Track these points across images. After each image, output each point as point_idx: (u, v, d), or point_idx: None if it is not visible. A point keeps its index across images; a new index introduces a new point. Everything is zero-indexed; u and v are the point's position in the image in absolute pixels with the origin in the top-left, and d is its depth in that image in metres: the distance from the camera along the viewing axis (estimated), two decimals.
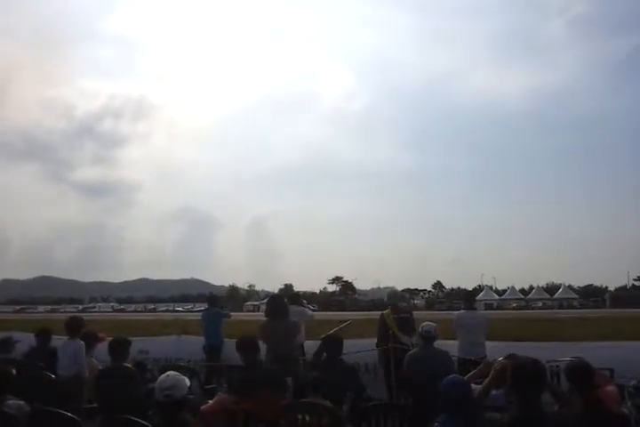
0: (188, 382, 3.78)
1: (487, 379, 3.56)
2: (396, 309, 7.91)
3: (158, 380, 3.73)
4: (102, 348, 6.15)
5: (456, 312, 7.87)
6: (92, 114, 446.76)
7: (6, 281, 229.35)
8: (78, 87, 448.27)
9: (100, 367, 5.93)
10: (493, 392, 3.59)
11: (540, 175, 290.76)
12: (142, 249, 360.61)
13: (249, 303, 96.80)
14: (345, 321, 9.72)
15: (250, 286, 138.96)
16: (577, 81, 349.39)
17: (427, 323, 6.21)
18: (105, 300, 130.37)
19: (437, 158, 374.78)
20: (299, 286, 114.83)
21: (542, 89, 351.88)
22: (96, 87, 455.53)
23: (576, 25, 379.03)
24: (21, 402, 4.39)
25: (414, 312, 9.07)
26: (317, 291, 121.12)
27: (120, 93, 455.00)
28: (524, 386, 3.16)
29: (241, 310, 72.76)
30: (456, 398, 3.39)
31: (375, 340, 8.01)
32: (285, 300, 7.02)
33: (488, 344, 7.52)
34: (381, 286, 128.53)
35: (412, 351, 6.10)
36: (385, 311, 8.02)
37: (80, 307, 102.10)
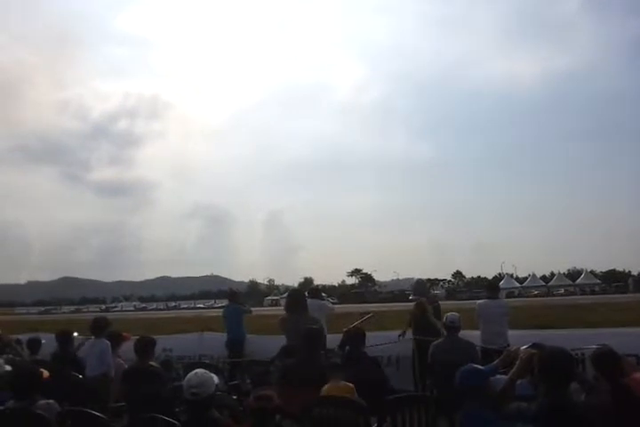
0: (216, 379, 3.76)
1: (514, 368, 3.53)
2: (429, 298, 7.99)
3: (186, 378, 3.72)
4: (128, 347, 6.23)
5: (478, 301, 7.82)
6: (107, 114, 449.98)
7: (31, 283, 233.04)
8: (92, 88, 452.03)
9: (126, 366, 6.00)
10: (519, 381, 3.57)
11: (557, 160, 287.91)
12: (162, 247, 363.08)
13: (269, 298, 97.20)
14: (367, 314, 9.70)
15: (269, 281, 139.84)
16: (592, 62, 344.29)
17: (451, 313, 6.20)
18: (127, 299, 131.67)
19: (453, 146, 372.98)
20: (318, 280, 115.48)
21: (557, 71, 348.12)
22: (110, 87, 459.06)
23: (590, 4, 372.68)
24: (51, 401, 4.45)
25: None
26: (337, 284, 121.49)
27: (134, 93, 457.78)
28: (553, 375, 3.14)
29: (261, 305, 73.12)
30: (472, 388, 3.38)
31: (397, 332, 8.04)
32: (304, 294, 7.04)
33: (510, 333, 7.48)
34: (401, 278, 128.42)
35: (437, 342, 6.09)
36: (422, 300, 8.04)
37: (103, 307, 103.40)
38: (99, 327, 6.50)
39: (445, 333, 6.22)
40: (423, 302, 8.01)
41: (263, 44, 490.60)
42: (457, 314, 6.19)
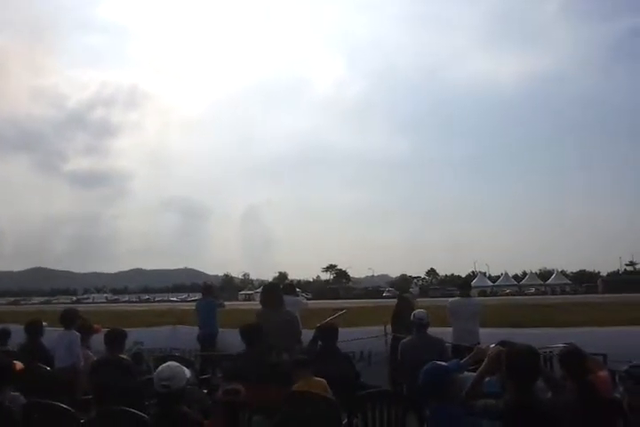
0: (188, 373, 3.72)
1: (481, 366, 3.57)
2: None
3: (157, 370, 3.68)
4: (98, 339, 6.16)
5: (450, 299, 7.90)
6: (84, 103, 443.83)
7: (0, 273, 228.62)
8: (69, 76, 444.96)
9: (95, 358, 5.93)
10: (487, 379, 3.61)
11: (534, 160, 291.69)
12: (136, 239, 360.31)
13: (243, 292, 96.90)
14: (340, 310, 9.74)
15: (244, 275, 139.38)
16: (571, 63, 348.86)
17: (419, 310, 6.24)
18: (99, 291, 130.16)
19: (432, 144, 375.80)
20: (293, 275, 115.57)
21: (537, 72, 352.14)
22: (87, 76, 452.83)
23: (570, 7, 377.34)
24: (16, 394, 4.38)
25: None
26: (311, 279, 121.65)
27: (111, 82, 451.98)
28: (519, 372, 3.18)
29: (236, 300, 72.84)
30: (435, 386, 3.41)
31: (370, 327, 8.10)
32: (280, 288, 7.02)
33: (482, 331, 7.58)
34: (375, 274, 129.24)
35: (405, 339, 6.13)
36: (406, 295, 8.13)
37: (74, 298, 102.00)
38: (68, 319, 6.41)
39: (414, 330, 6.26)
40: (408, 296, 8.08)
41: (244, 36, 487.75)
42: (424, 311, 6.24)
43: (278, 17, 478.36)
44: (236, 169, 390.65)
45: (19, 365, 4.66)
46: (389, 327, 8.04)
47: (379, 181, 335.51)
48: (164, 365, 3.70)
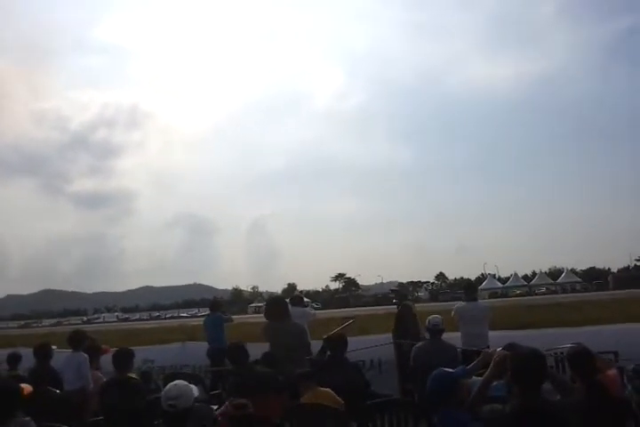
0: (195, 391, 3.69)
1: (487, 370, 3.55)
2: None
3: (165, 389, 3.65)
4: (108, 360, 6.15)
5: (457, 305, 7.85)
6: (86, 125, 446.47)
7: (10, 297, 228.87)
8: (70, 98, 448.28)
9: (105, 379, 5.92)
10: (494, 383, 3.59)
11: (537, 161, 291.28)
12: (143, 257, 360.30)
13: (253, 305, 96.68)
14: (348, 320, 9.72)
15: (253, 288, 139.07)
16: (569, 66, 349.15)
17: (433, 316, 6.20)
18: (109, 310, 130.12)
19: (434, 150, 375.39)
20: (302, 285, 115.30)
21: (535, 75, 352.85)
22: (88, 97, 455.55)
23: (566, 9, 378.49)
24: (27, 419, 4.37)
25: (419, 305, 9.22)
26: (320, 289, 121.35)
27: (112, 103, 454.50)
28: (525, 376, 3.15)
29: (245, 313, 72.67)
30: (442, 392, 3.40)
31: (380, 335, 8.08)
32: (285, 301, 7.01)
33: (492, 334, 7.53)
34: (384, 281, 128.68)
35: (419, 344, 6.09)
36: (408, 302, 8.13)
37: (85, 318, 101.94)
38: (76, 340, 6.41)
39: (428, 335, 6.23)
40: (409, 304, 8.06)
41: (243, 52, 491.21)
42: (439, 317, 6.20)
43: (275, 31, 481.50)
44: (240, 184, 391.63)
45: (27, 388, 4.64)
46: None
47: (382, 189, 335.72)
48: (171, 384, 3.68)
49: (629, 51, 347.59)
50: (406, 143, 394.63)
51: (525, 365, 3.17)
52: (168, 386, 3.69)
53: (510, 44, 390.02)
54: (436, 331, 6.04)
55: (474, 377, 3.89)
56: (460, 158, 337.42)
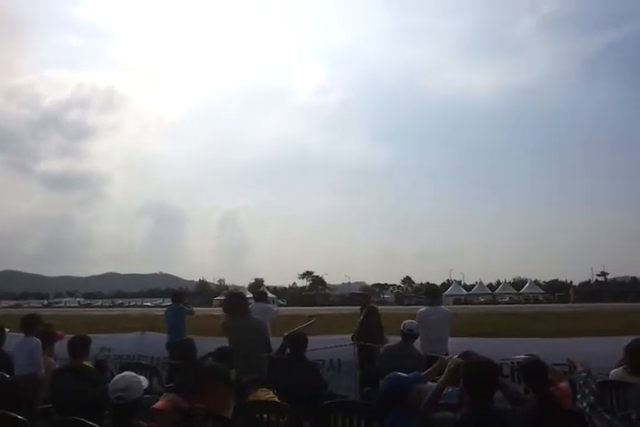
0: (144, 383, 3.63)
1: (441, 377, 3.58)
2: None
3: (112, 380, 3.59)
4: (65, 345, 6.02)
5: (419, 309, 7.89)
6: (59, 104, 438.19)
7: None
8: (45, 76, 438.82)
9: (57, 366, 5.80)
10: (449, 389, 3.61)
11: (509, 171, 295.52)
12: (110, 243, 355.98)
13: (218, 298, 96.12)
14: (310, 318, 9.70)
15: (220, 281, 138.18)
16: (548, 78, 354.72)
17: (410, 321, 6.22)
18: (71, 295, 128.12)
19: (411, 154, 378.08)
20: (269, 281, 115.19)
21: (513, 85, 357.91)
22: (63, 77, 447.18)
23: (546, 23, 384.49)
24: None
25: (384, 307, 9.26)
26: (287, 286, 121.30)
27: (88, 84, 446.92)
28: (476, 385, 3.18)
29: (210, 305, 72.17)
30: (394, 395, 3.41)
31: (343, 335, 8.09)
32: (244, 295, 6.95)
33: (452, 340, 7.58)
34: (351, 281, 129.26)
35: (390, 345, 6.09)
36: (374, 305, 8.15)
37: (45, 302, 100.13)
38: (29, 325, 6.25)
39: (401, 339, 6.22)
40: (374, 306, 8.09)
41: (225, 42, 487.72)
42: (415, 322, 6.22)
43: (260, 24, 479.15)
44: (214, 174, 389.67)
45: None
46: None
47: (357, 189, 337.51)
48: (118, 375, 3.62)
49: (608, 65, 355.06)
50: (385, 144, 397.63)
51: (477, 373, 3.20)
52: (116, 377, 3.62)
53: (492, 53, 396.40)
54: (411, 336, 6.03)
55: (429, 383, 3.91)
56: (436, 163, 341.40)
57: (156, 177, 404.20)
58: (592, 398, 3.46)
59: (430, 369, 4.08)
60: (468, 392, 3.18)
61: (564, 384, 3.95)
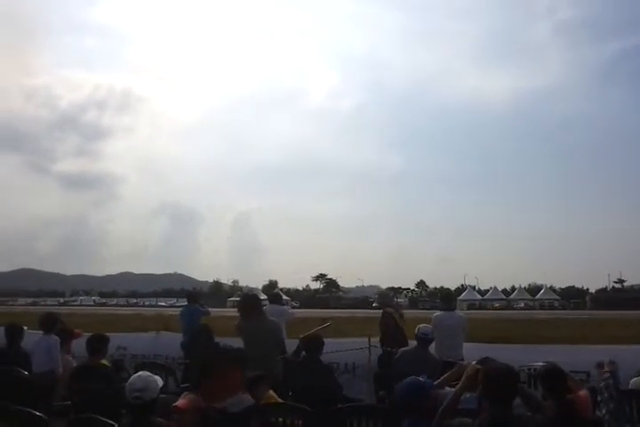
0: (160, 382, 3.66)
1: (459, 383, 3.54)
2: (397, 307, 8.04)
3: (129, 380, 3.61)
4: (82, 343, 6.07)
5: (434, 314, 7.84)
6: (76, 105, 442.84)
7: None
8: (62, 77, 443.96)
9: (75, 364, 5.85)
10: (467, 395, 3.58)
11: (524, 177, 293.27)
12: (126, 243, 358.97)
13: (232, 299, 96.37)
14: (325, 321, 9.69)
15: (234, 282, 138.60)
16: (562, 83, 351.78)
17: (424, 325, 6.18)
18: (87, 293, 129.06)
19: (424, 158, 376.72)
20: (283, 283, 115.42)
21: (528, 91, 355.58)
22: (81, 78, 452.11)
23: (562, 28, 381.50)
24: None
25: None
26: (301, 288, 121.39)
27: (105, 85, 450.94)
28: (495, 392, 3.15)
29: (224, 306, 72.35)
30: (410, 401, 3.38)
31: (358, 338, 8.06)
32: (258, 298, 6.96)
33: (467, 345, 7.53)
34: (365, 285, 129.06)
35: (405, 349, 6.06)
36: (389, 310, 8.06)
37: (61, 300, 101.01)
38: (48, 323, 6.33)
39: (416, 343, 6.19)
40: (390, 311, 8.03)
41: (240, 45, 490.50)
42: (430, 326, 6.19)
43: (276, 28, 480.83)
44: (229, 176, 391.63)
45: None
46: (373, 340, 7.97)
47: (370, 193, 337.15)
48: (135, 375, 3.64)
49: (622, 71, 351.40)
50: (398, 149, 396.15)
51: (497, 380, 3.17)
52: (132, 377, 3.64)
53: (506, 58, 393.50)
54: (426, 340, 5.99)
55: (447, 388, 3.88)
56: (449, 168, 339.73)
57: (171, 178, 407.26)
58: (612, 405, 3.41)
59: (448, 374, 4.05)
60: (488, 399, 3.15)
61: (583, 392, 3.90)
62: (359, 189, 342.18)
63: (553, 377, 3.73)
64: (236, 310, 6.64)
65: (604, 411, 3.46)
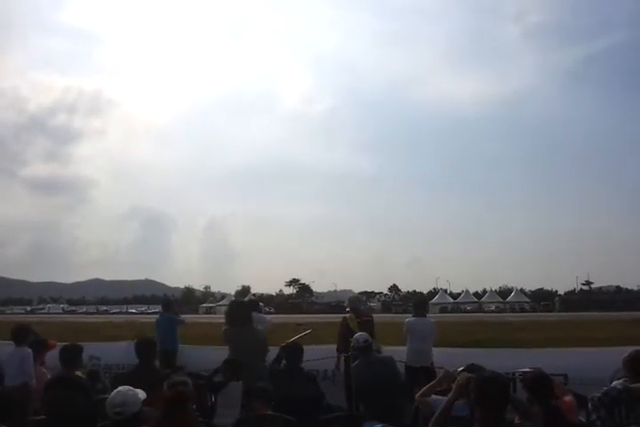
0: (142, 396, 3.59)
1: (451, 393, 3.52)
2: (358, 313, 7.94)
3: (109, 396, 3.52)
4: (55, 354, 5.91)
5: (407, 319, 7.85)
6: (44, 107, 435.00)
7: None
8: (30, 80, 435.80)
9: (49, 376, 5.68)
10: (457, 402, 3.56)
11: (496, 181, 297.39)
12: (95, 249, 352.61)
13: (204, 305, 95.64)
14: (302, 324, 9.64)
15: (206, 288, 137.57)
16: (532, 87, 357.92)
17: (359, 333, 6.19)
18: (55, 301, 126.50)
19: (397, 162, 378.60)
20: (255, 288, 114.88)
21: (498, 94, 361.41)
22: (49, 80, 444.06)
23: (530, 33, 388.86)
24: None
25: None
26: (274, 293, 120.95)
27: (74, 87, 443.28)
28: (489, 401, 3.13)
29: (196, 313, 71.73)
30: None
31: (334, 345, 7.98)
32: (248, 305, 6.90)
33: (437, 350, 7.58)
34: (338, 289, 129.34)
35: (354, 364, 6.04)
36: (347, 315, 8.00)
37: (28, 308, 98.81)
38: (20, 334, 6.13)
39: (360, 353, 6.13)
40: (346, 317, 7.97)
41: (212, 48, 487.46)
42: (365, 333, 6.19)
43: (247, 30, 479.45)
44: (201, 180, 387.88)
45: None
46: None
47: (343, 197, 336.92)
48: (115, 390, 3.56)
49: (594, 74, 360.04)
50: (371, 153, 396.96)
51: (489, 389, 3.14)
52: (112, 393, 3.58)
53: (477, 61, 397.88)
54: (364, 348, 5.94)
55: (434, 396, 3.87)
56: (423, 172, 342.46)
57: (143, 182, 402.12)
58: (602, 411, 3.43)
59: (434, 382, 4.04)
60: (480, 407, 3.13)
61: (568, 398, 3.93)
62: (332, 193, 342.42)
63: (540, 383, 3.74)
64: (224, 316, 6.57)
65: (594, 416, 3.48)
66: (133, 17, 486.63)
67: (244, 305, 6.76)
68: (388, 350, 7.33)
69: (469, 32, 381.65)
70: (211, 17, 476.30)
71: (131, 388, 3.63)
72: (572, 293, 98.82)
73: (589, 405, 3.65)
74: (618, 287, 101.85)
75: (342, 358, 7.56)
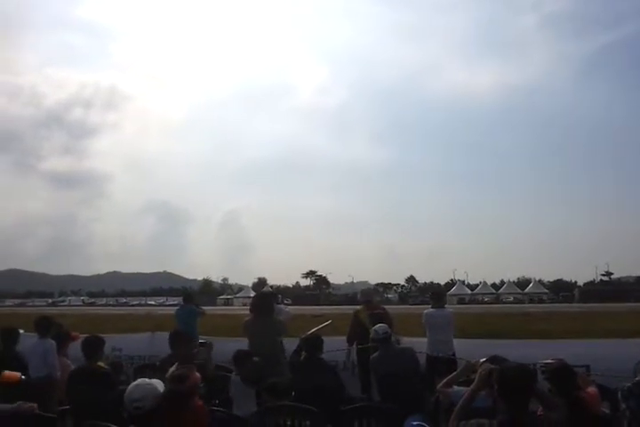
0: (161, 387, 3.56)
1: (473, 384, 3.49)
2: (369, 305, 7.95)
3: (127, 390, 3.49)
4: (77, 346, 5.98)
5: (425, 311, 7.84)
6: (61, 103, 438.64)
7: None
8: (46, 75, 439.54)
9: (73, 367, 5.75)
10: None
11: (512, 171, 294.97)
12: (113, 242, 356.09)
13: (222, 297, 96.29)
14: (320, 316, 9.67)
15: (223, 280, 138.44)
16: (546, 77, 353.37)
17: (378, 325, 6.18)
18: (75, 293, 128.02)
19: (412, 154, 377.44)
20: (272, 280, 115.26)
21: (513, 84, 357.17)
22: (66, 76, 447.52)
23: (546, 23, 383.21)
24: None
25: (388, 307, 9.10)
26: (291, 285, 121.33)
27: (90, 82, 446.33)
28: (513, 392, 3.09)
29: (214, 304, 72.16)
30: None
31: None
32: (275, 297, 6.97)
33: (457, 341, 7.55)
34: (355, 281, 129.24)
35: (373, 355, 6.04)
36: (358, 308, 8.05)
37: (50, 301, 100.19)
38: (44, 327, 6.20)
39: (380, 345, 6.13)
40: (357, 309, 8.00)
41: (227, 41, 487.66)
42: (383, 325, 6.17)
43: (262, 23, 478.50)
44: (217, 173, 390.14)
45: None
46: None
47: (359, 189, 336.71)
48: (132, 384, 3.53)
49: (609, 64, 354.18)
50: (386, 144, 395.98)
51: (514, 380, 3.11)
52: (130, 387, 3.53)
53: (492, 51, 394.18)
54: (383, 339, 5.93)
55: (455, 387, 3.85)
56: (437, 164, 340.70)
57: (159, 176, 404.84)
58: (632, 402, 3.39)
59: (456, 373, 4.02)
60: (504, 399, 3.09)
61: (592, 389, 3.88)
62: (348, 185, 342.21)
63: (564, 375, 3.70)
64: (249, 307, 6.62)
65: (624, 406, 3.44)
66: (148, 12, 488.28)
67: (271, 295, 6.84)
68: (408, 342, 7.32)
69: (485, 22, 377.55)
70: (225, 10, 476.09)
71: (149, 381, 3.60)
72: (591, 283, 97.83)
73: (619, 394, 3.61)
74: (638, 278, 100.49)
75: (351, 349, 7.65)
